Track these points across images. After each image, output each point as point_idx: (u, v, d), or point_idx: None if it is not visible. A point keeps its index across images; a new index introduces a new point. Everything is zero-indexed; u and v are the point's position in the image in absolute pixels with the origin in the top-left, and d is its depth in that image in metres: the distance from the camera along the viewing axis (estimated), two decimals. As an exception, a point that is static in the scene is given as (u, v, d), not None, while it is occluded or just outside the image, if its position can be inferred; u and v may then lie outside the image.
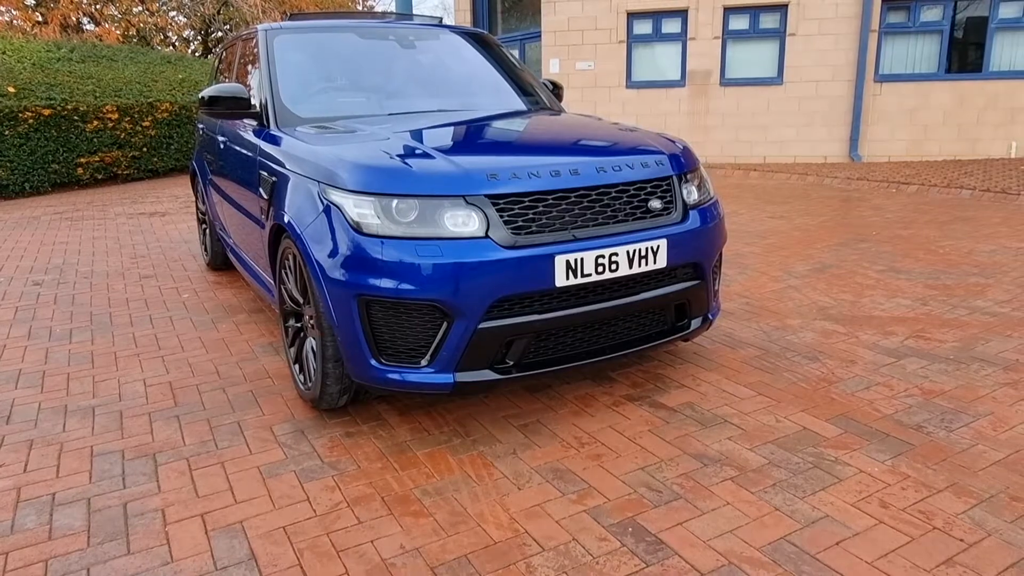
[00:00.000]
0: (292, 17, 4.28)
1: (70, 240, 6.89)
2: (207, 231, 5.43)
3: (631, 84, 11.79)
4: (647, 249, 2.68)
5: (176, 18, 23.55)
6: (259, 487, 2.42)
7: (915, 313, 4.04)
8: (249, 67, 4.09)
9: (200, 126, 5.23)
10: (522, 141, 3.06)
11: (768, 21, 11.07)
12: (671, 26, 11.43)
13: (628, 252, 2.64)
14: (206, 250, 5.52)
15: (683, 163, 2.99)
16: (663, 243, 2.72)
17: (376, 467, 2.53)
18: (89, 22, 21.69)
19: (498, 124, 3.34)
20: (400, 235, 2.45)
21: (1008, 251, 5.41)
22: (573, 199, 2.62)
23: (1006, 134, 10.57)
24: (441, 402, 3.02)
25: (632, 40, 11.63)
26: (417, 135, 2.99)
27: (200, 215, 5.64)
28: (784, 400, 2.98)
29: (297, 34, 3.84)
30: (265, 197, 3.22)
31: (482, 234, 2.46)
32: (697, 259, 2.90)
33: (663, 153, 2.93)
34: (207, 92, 3.49)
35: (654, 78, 11.69)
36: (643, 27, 11.56)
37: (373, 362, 2.56)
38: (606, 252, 2.59)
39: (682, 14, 11.28)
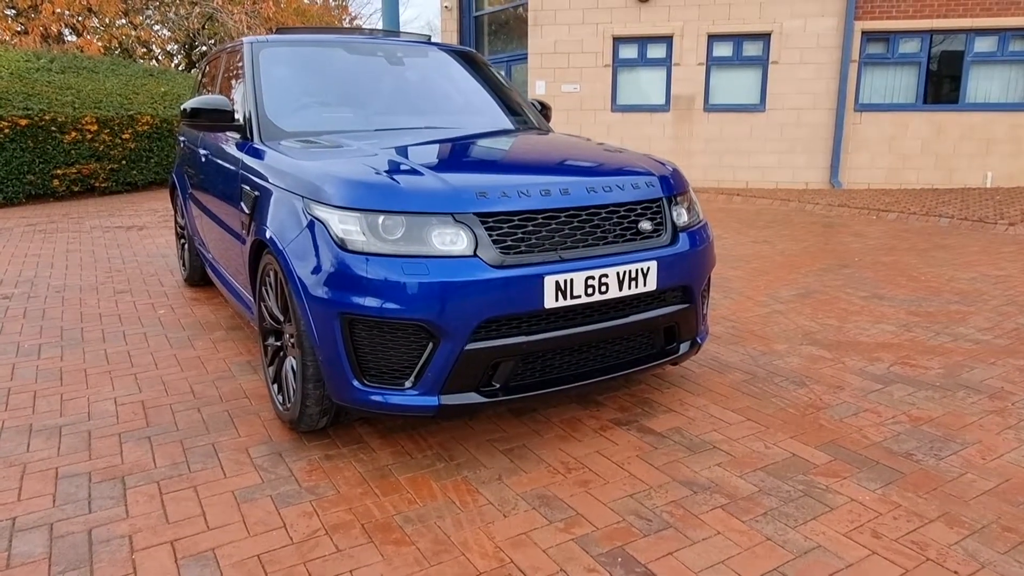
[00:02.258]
0: (279, 31, 4.23)
1: (43, 253, 6.73)
2: (185, 246, 5.32)
3: (616, 107, 11.88)
4: (637, 271, 2.64)
5: (160, 32, 23.43)
6: (233, 512, 2.32)
7: (900, 339, 4.04)
8: (233, 80, 4.03)
9: (181, 139, 5.14)
10: (511, 160, 3.02)
11: (751, 49, 11.23)
12: (656, 51, 11.56)
13: (618, 274, 2.59)
14: (184, 265, 5.41)
15: (673, 185, 2.97)
16: (653, 265, 2.69)
17: (356, 492, 2.44)
18: (71, 33, 21.50)
19: (487, 142, 3.30)
20: (386, 252, 2.39)
21: (988, 279, 5.46)
22: (563, 219, 2.58)
23: (981, 164, 10.78)
24: (424, 425, 2.94)
25: (618, 64, 11.74)
26: (404, 151, 2.94)
27: (179, 229, 5.52)
28: (773, 426, 2.94)
29: (283, 48, 3.80)
30: (247, 212, 3.15)
31: (470, 253, 2.40)
32: (686, 282, 2.86)
33: (653, 175, 2.90)
34: (189, 104, 3.42)
35: (639, 102, 11.79)
36: (629, 52, 11.68)
37: (355, 383, 2.48)
38: (596, 273, 2.54)
39: (667, 40, 11.42)
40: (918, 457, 2.67)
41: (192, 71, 21.86)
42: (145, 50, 23.54)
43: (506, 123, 3.92)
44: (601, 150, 3.24)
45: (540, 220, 2.53)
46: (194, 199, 4.64)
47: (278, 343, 2.99)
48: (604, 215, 2.67)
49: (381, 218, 2.42)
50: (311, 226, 2.53)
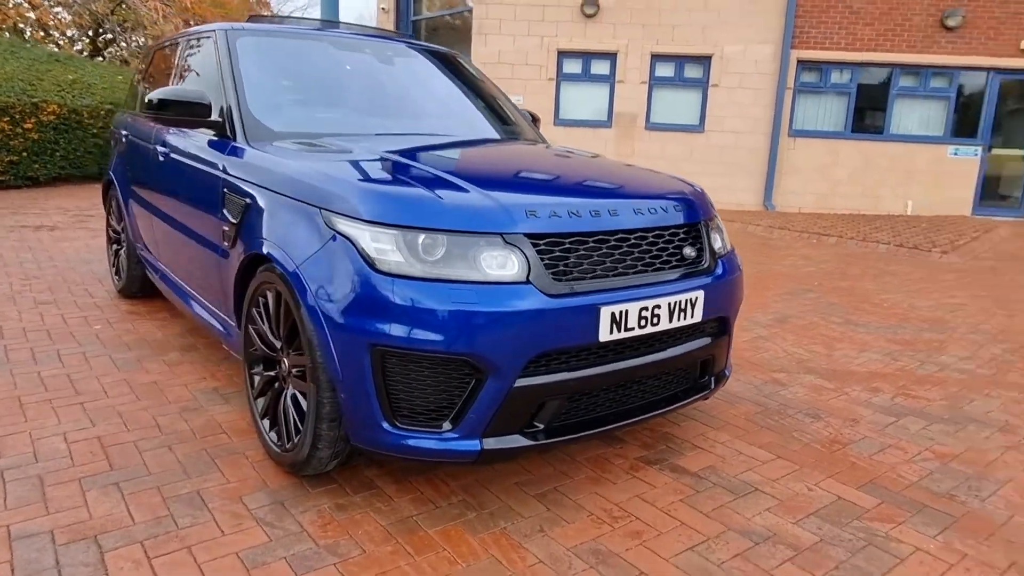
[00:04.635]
0: (250, 20, 3.82)
1: (-61, 254, 5.90)
2: (121, 253, 4.75)
3: (559, 121, 11.81)
4: (686, 302, 2.45)
5: (60, 15, 21.66)
6: (244, 582, 1.95)
7: (891, 368, 4.04)
8: (197, 73, 3.60)
9: (123, 133, 4.58)
10: (549, 176, 2.76)
11: (693, 71, 11.44)
12: (600, 67, 11.58)
13: (669, 304, 2.39)
14: (118, 274, 4.83)
15: (708, 208, 2.81)
16: (700, 295, 2.50)
17: (385, 551, 2.11)
18: (-43, 10, 19.50)
19: (511, 155, 3.04)
20: (428, 276, 2.09)
21: (945, 307, 5.64)
22: (613, 243, 2.36)
23: (903, 193, 11.38)
24: (441, 467, 2.63)
25: (562, 78, 11.69)
26: (430, 161, 2.64)
27: (113, 234, 4.93)
28: (805, 464, 2.81)
29: (263, 38, 3.41)
30: (233, 221, 2.75)
31: (523, 279, 2.14)
32: (725, 312, 2.70)
33: (691, 197, 2.73)
34: (159, 94, 2.99)
35: (582, 117, 11.78)
36: (573, 66, 11.65)
37: (385, 424, 2.16)
38: (650, 304, 2.33)
39: (612, 57, 11.47)
40: (961, 498, 2.60)
41: (98, 59, 20.32)
42: (43, 33, 21.69)
43: (510, 132, 3.67)
44: (629, 168, 3.04)
45: (591, 244, 2.30)
46: (141, 201, 4.12)
47: (270, 373, 2.62)
48: (651, 239, 2.47)
49: (422, 236, 2.12)
50: (333, 243, 2.19)
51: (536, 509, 2.40)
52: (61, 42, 22.45)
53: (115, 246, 4.92)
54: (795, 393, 3.59)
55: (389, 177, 2.35)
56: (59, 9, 21.05)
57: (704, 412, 3.28)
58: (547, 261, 2.20)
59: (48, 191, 10.44)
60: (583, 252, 2.28)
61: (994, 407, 3.51)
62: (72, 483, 2.42)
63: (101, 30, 21.69)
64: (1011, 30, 10.91)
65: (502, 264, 2.14)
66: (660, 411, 2.55)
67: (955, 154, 11.30)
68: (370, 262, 2.12)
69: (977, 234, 9.22)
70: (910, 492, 2.63)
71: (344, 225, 2.19)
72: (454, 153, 2.94)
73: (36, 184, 10.82)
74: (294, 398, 2.46)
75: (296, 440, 2.40)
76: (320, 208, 2.28)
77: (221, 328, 3.07)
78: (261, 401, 2.67)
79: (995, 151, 11.57)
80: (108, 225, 5.04)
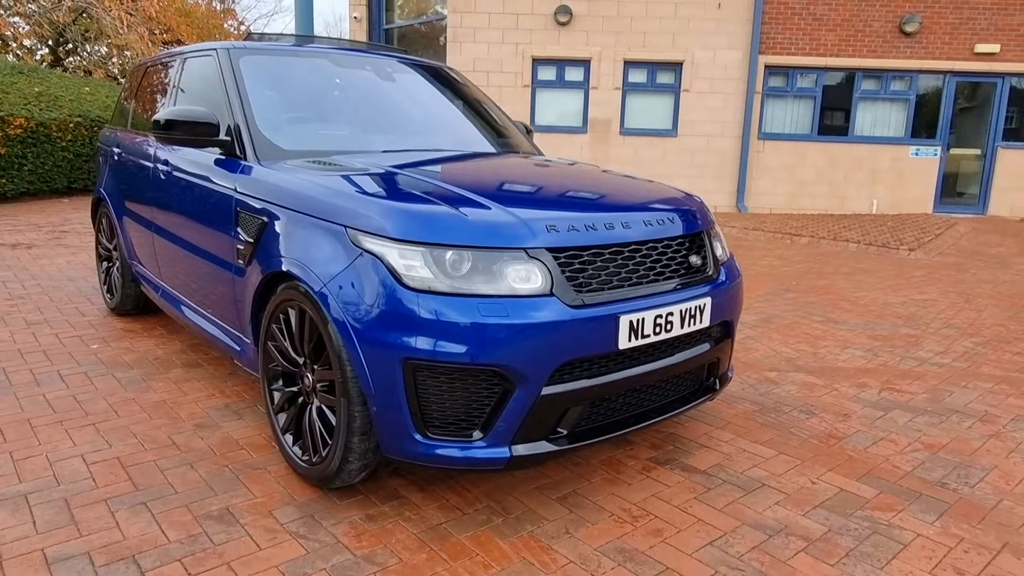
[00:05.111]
0: (248, 38, 3.85)
1: (-84, 275, 5.78)
2: (113, 270, 4.73)
3: (535, 127, 11.93)
4: (696, 308, 2.58)
5: (18, 25, 21.16)
6: (289, 593, 2.00)
7: (874, 364, 4.23)
8: (193, 92, 3.62)
9: (114, 150, 4.57)
10: (562, 191, 2.85)
11: (664, 77, 11.67)
12: (574, 74, 11.75)
13: (681, 311, 2.51)
14: (110, 292, 4.80)
15: (709, 217, 2.94)
16: (708, 301, 2.63)
17: (422, 559, 2.19)
18: (-91, 21, 18.95)
19: (520, 169, 3.13)
20: (456, 291, 2.18)
21: (916, 303, 5.89)
22: (627, 254, 2.47)
23: (868, 193, 11.75)
24: (463, 474, 2.71)
25: (536, 85, 11.83)
26: (446, 179, 2.72)
27: (104, 251, 4.91)
28: (806, 459, 2.96)
29: (265, 56, 3.45)
30: (249, 240, 2.80)
31: (547, 291, 2.24)
32: (728, 316, 2.83)
33: (694, 207, 2.86)
34: (166, 114, 3.02)
35: (558, 123, 11.93)
36: (547, 73, 11.81)
37: (417, 436, 2.23)
38: (664, 312, 2.45)
39: (585, 64, 11.65)
40: (953, 486, 2.76)
41: (59, 69, 19.88)
42: (1, 43, 21.17)
43: (507, 145, 3.77)
44: (633, 180, 3.16)
45: (607, 256, 2.41)
46: (138, 219, 4.12)
47: (292, 388, 2.67)
48: (661, 249, 2.58)
49: (448, 253, 2.20)
50: (361, 261, 2.26)
51: (559, 512, 2.49)
52: (20, 52, 21.93)
53: (106, 264, 4.89)
54: (788, 391, 3.74)
55: (412, 195, 2.42)
56: (17, 19, 20.57)
57: (706, 413, 3.41)
58: (568, 273, 2.30)
59: (17, 207, 10.23)
60: (600, 264, 2.38)
61: (972, 398, 3.71)
62: (99, 504, 2.44)
63: (63, 39, 21.23)
64: (964, 35, 11.36)
65: (526, 278, 2.24)
66: (673, 413, 2.67)
67: (916, 154, 11.71)
68: (399, 279, 2.19)
69: (940, 231, 9.58)
70: (906, 481, 2.78)
71: (371, 243, 2.26)
72: (464, 169, 3.02)
73: (4, 200, 10.60)
74: (319, 411, 2.52)
75: (324, 453, 2.46)
76: (346, 227, 2.35)
77: (234, 345, 3.11)
78: (282, 416, 2.72)
79: (953, 151, 12.02)
80: (98, 243, 5.01)
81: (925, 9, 11.26)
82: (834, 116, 11.80)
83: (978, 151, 12.02)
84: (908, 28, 11.25)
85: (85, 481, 2.60)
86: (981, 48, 11.30)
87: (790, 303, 5.75)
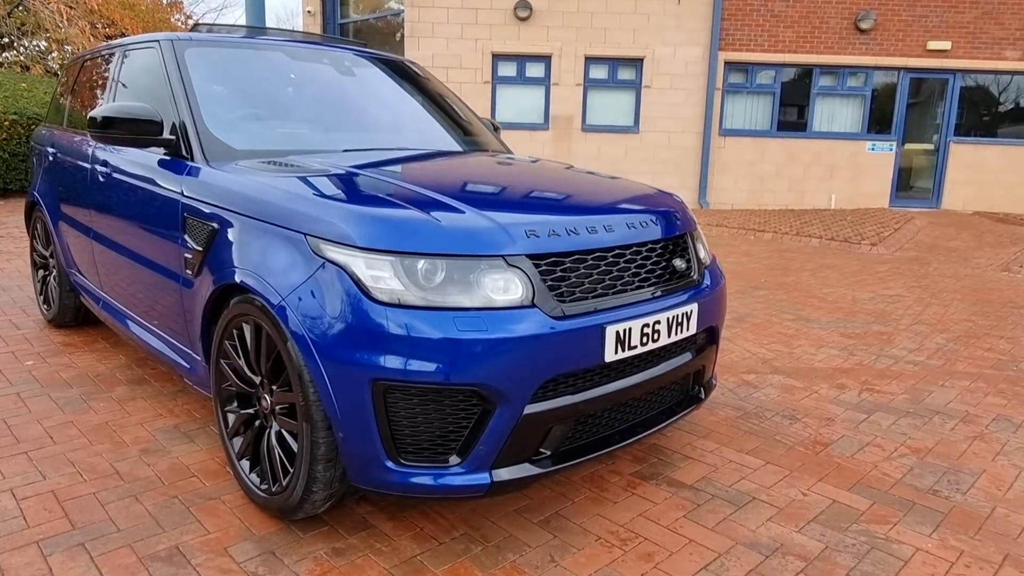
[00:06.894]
0: (195, 29, 3.58)
1: None
2: (50, 279, 4.39)
3: (495, 125, 11.75)
4: (683, 315, 2.43)
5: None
6: (248, 647, 1.79)
7: (850, 363, 4.17)
8: (135, 87, 3.34)
9: (49, 150, 4.23)
10: (539, 192, 2.67)
11: (626, 73, 11.60)
12: (535, 70, 11.60)
13: (668, 319, 2.36)
14: (47, 303, 4.46)
15: (690, 218, 2.80)
16: (695, 308, 2.49)
17: (396, 598, 1.99)
18: None
19: (493, 170, 2.94)
20: (430, 304, 1.98)
21: (884, 299, 5.89)
22: (610, 259, 2.30)
23: (827, 188, 11.88)
24: (437, 499, 2.51)
25: (497, 81, 11.65)
26: (414, 180, 2.51)
27: (39, 259, 4.56)
28: (794, 468, 2.85)
29: (213, 48, 3.19)
30: (197, 248, 2.56)
31: (528, 302, 2.06)
32: (714, 322, 2.70)
33: (675, 208, 2.71)
34: (103, 111, 2.75)
35: (519, 120, 11.77)
36: (508, 69, 11.62)
37: (389, 463, 2.03)
38: (651, 320, 2.29)
39: (546, 59, 11.50)
40: (945, 494, 2.67)
41: (-6, 65, 18.92)
42: (-72, 37, 20.04)
43: (475, 143, 3.57)
44: (612, 180, 3.00)
45: (590, 262, 2.24)
46: (75, 224, 3.81)
47: (248, 410, 2.44)
48: (645, 253, 2.43)
49: (420, 262, 2.01)
50: (323, 272, 2.05)
51: (542, 537, 2.32)
52: (-51, 47, 20.82)
53: (42, 272, 4.55)
54: (768, 395, 3.64)
55: (378, 199, 2.22)
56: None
57: (687, 421, 3.28)
58: (550, 282, 2.13)
59: (-53, 210, 9.62)
60: (583, 271, 2.22)
61: (952, 397, 3.66)
62: (30, 547, 2.18)
63: (-5, 34, 20.20)
64: (917, 32, 11.55)
65: (505, 288, 2.06)
66: (659, 426, 2.52)
67: (872, 149, 11.88)
68: (366, 291, 1.99)
69: (898, 225, 9.71)
70: (897, 490, 2.69)
71: (334, 252, 2.05)
72: (432, 169, 2.83)
73: (-68, 203, 9.98)
74: (279, 436, 2.30)
75: (285, 482, 2.24)
76: (306, 235, 2.13)
77: (183, 362, 2.86)
78: (238, 441, 2.49)
79: (907, 145, 12.24)
80: (33, 249, 4.65)
81: (880, 6, 11.42)
82: (793, 112, 11.89)
83: (931, 146, 12.26)
84: (863, 25, 11.39)
85: (15, 520, 2.33)
86: (933, 45, 11.50)
87: (760, 301, 5.69)
